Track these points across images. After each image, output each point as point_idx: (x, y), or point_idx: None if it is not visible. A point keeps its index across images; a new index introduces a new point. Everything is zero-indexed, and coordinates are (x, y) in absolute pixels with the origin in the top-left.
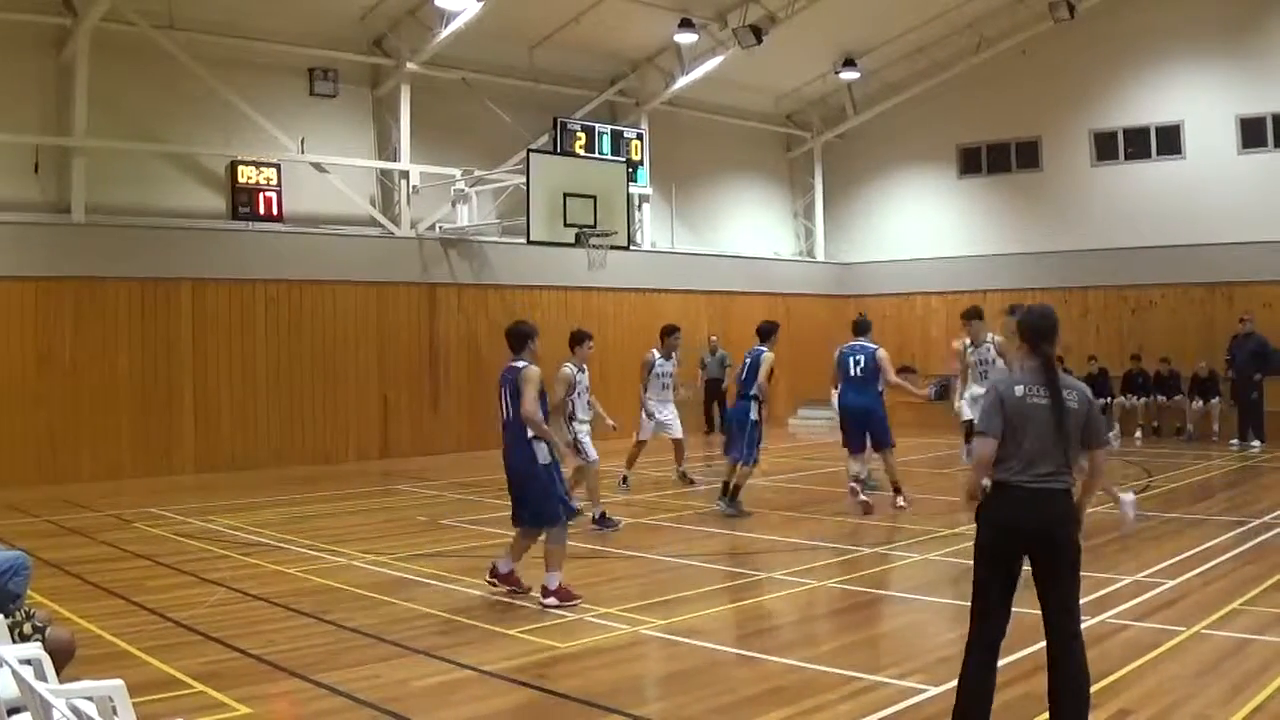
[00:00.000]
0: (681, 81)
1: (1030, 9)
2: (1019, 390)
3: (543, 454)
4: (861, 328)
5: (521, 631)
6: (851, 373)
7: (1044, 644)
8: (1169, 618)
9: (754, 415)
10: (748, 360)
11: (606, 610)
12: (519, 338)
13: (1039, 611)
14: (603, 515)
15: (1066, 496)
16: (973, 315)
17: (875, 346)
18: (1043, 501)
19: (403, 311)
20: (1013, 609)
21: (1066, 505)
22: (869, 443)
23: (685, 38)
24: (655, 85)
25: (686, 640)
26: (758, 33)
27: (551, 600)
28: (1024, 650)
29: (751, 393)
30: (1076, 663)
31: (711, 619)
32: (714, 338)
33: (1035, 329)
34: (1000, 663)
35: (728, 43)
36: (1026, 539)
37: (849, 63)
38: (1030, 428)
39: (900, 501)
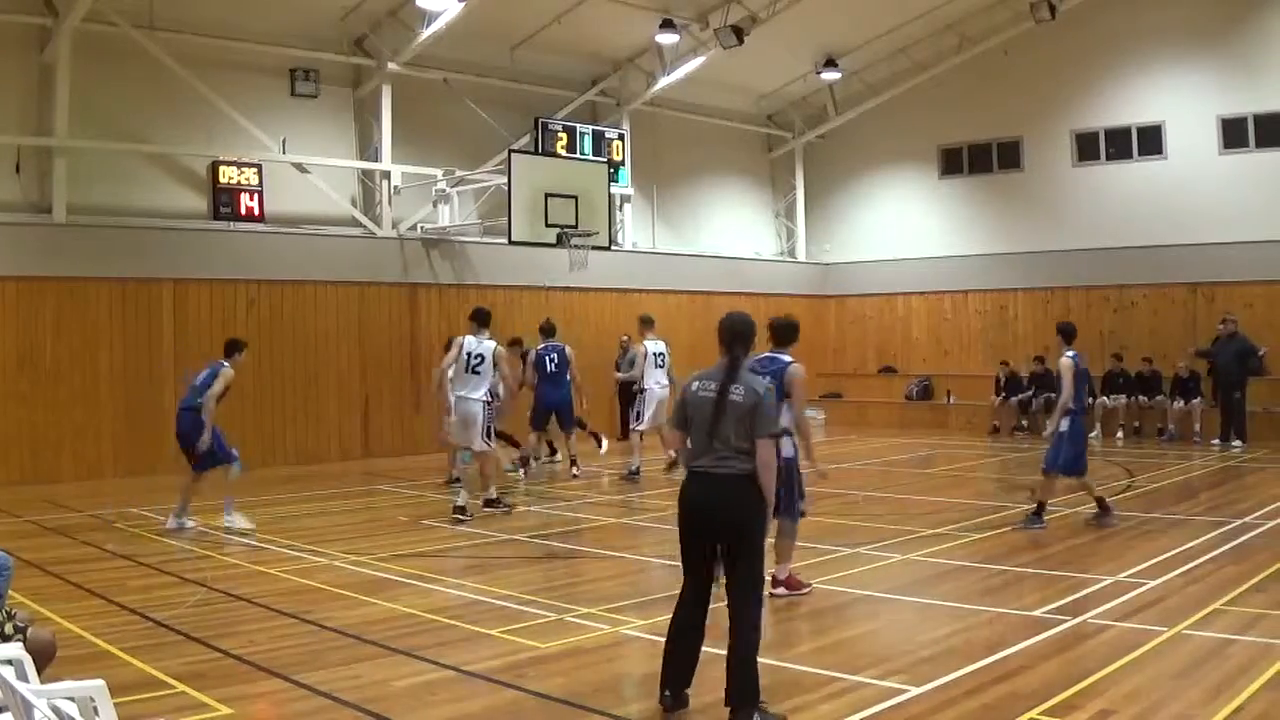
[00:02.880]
0: (663, 82)
1: (1011, 9)
2: (694, 385)
3: (786, 448)
4: (549, 330)
5: (502, 632)
6: (548, 369)
7: (1024, 645)
8: (1150, 618)
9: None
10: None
11: (587, 610)
12: (792, 330)
13: (1020, 612)
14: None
15: (737, 481)
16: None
17: (564, 345)
18: (711, 484)
19: (384, 312)
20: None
21: (735, 489)
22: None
23: (667, 38)
24: (637, 86)
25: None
26: (739, 33)
27: (781, 590)
28: (1006, 650)
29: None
30: (735, 634)
31: None
32: (625, 338)
33: (729, 331)
34: (983, 662)
35: (709, 43)
36: (703, 516)
37: (830, 63)
38: (698, 417)
39: (575, 471)
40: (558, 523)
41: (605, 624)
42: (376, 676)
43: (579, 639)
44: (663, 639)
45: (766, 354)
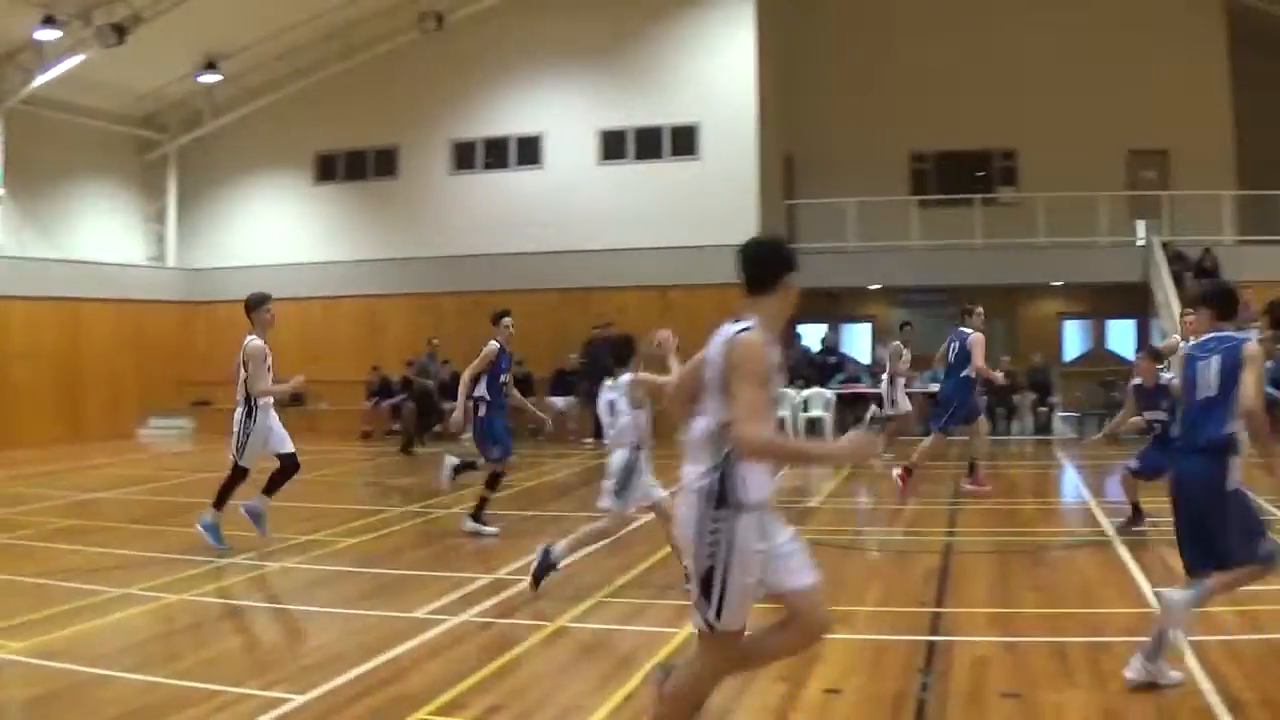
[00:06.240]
0: (39, 80)
1: (400, 18)
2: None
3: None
4: None
5: None
6: None
7: (408, 646)
8: (533, 613)
9: None
10: None
11: None
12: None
13: (401, 614)
14: None
15: None
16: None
17: None
18: None
19: None
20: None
21: None
22: None
23: (47, 34)
24: (13, 83)
25: (45, 663)
26: (121, 31)
27: None
28: (390, 652)
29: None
30: None
31: (70, 639)
32: None
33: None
34: (368, 666)
35: (90, 41)
36: None
37: (211, 65)
38: None
39: None
40: None
41: None
42: None
43: None
44: (40, 661)
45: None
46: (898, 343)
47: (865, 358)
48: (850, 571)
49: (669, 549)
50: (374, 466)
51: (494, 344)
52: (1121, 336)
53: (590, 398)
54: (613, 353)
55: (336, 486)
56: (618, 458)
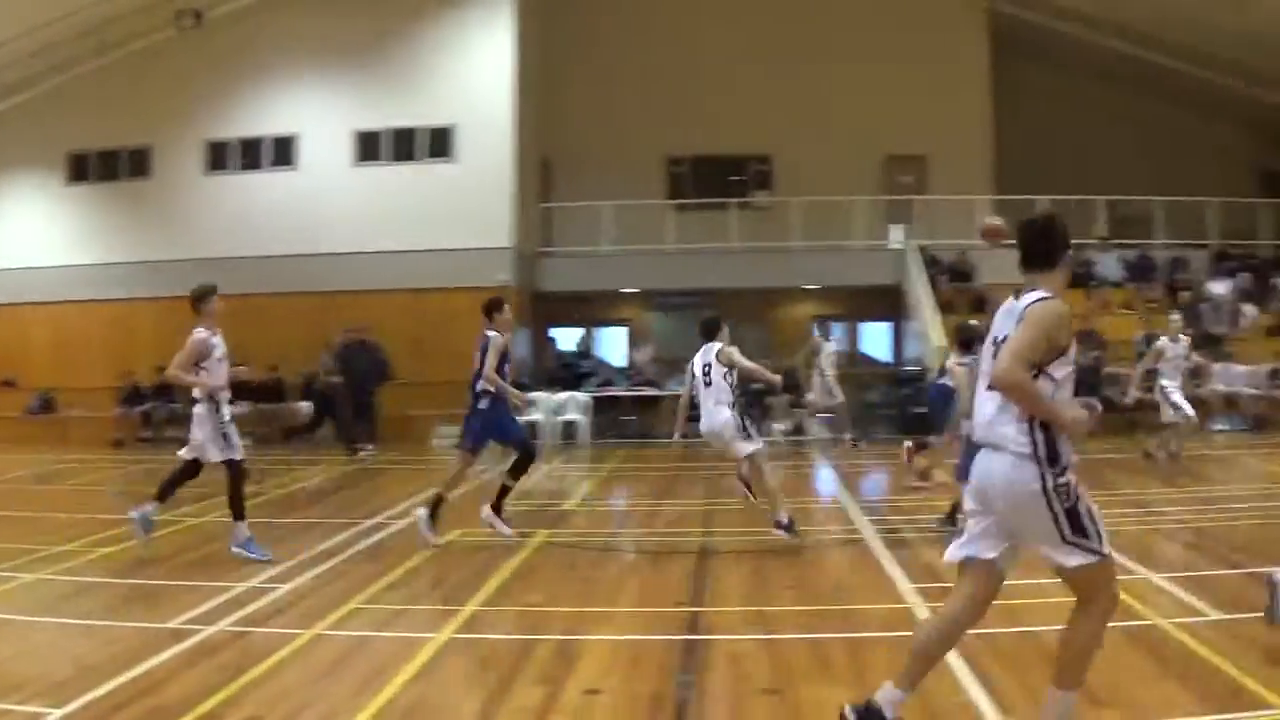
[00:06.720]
0: None
1: (158, 15)
2: None
3: None
4: None
5: None
6: None
7: (164, 657)
8: (289, 621)
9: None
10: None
11: None
12: None
13: (156, 624)
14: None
15: None
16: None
17: None
18: None
19: None
20: None
21: None
22: None
23: None
24: None
25: None
26: None
27: None
28: (146, 664)
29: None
30: None
31: None
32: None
33: None
34: (124, 678)
35: None
36: None
37: None
38: None
39: None
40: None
41: None
42: None
43: None
44: None
45: None
46: (817, 336)
47: (621, 361)
48: (607, 572)
49: (424, 555)
50: (125, 474)
51: (499, 337)
52: (876, 339)
53: (358, 403)
54: (702, 327)
55: (88, 495)
56: (724, 416)
